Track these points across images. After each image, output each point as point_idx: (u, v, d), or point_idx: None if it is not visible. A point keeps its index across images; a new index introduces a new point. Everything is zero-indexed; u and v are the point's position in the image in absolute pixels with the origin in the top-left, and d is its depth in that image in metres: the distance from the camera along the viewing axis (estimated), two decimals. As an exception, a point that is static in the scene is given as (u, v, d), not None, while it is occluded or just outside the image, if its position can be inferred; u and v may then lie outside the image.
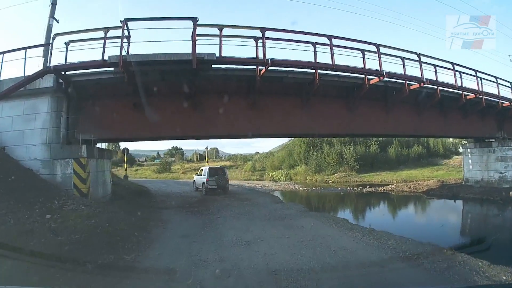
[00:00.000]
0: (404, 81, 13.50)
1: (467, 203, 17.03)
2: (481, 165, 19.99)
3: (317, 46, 11.36)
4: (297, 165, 37.38)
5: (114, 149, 49.45)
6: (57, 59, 10.83)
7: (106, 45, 10.45)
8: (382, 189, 22.63)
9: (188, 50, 10.14)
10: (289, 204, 16.04)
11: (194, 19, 10.14)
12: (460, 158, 34.79)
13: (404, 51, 13.28)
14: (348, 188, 24.88)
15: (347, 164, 33.89)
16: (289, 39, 11.32)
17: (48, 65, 10.58)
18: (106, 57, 10.27)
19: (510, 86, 17.78)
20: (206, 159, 38.22)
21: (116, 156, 47.54)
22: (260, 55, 10.56)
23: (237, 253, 6.82)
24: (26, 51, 10.97)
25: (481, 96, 16.10)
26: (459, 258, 6.26)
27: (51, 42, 10.96)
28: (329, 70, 11.47)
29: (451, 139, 38.82)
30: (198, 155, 58.84)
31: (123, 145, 43.72)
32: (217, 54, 10.23)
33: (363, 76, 12.64)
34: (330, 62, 11.13)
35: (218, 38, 10.52)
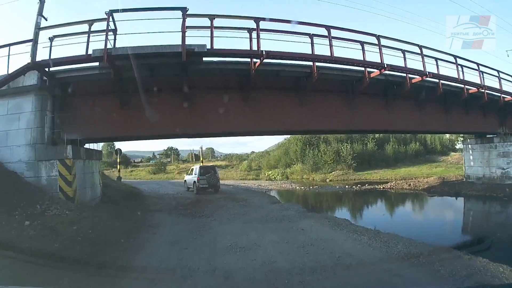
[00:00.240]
0: (405, 75, 12.98)
1: (471, 200, 16.55)
2: (483, 161, 19.53)
3: (314, 38, 10.74)
4: (294, 163, 36.83)
5: (109, 150, 48.82)
6: (44, 56, 10.15)
7: (94, 39, 9.93)
8: (381, 187, 22.10)
9: (179, 43, 9.49)
10: (286, 204, 15.39)
11: (183, 9, 9.49)
12: (458, 154, 34.77)
13: (405, 42, 12.70)
14: (346, 186, 24.35)
15: (344, 162, 33.46)
16: (285, 31, 10.67)
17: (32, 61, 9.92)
18: (90, 52, 9.66)
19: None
20: (201, 159, 37.56)
21: (111, 157, 47.12)
22: (255, 47, 9.89)
23: (231, 261, 6.16)
24: (9, 48, 10.45)
25: (483, 90, 15.59)
26: (477, 264, 5.70)
27: (34, 37, 10.15)
28: (328, 63, 10.83)
29: (447, 136, 38.71)
30: (193, 155, 58.24)
31: (116, 145, 43.05)
32: (209, 46, 9.55)
33: (363, 69, 12.07)
34: (329, 54, 10.45)
35: (209, 30, 9.85)
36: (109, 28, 9.79)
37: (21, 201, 8.81)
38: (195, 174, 20.51)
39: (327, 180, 30.39)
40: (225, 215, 11.85)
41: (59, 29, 10.56)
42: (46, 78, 10.48)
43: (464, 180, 20.67)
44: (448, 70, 14.09)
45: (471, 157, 20.41)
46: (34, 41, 10.05)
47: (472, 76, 15.36)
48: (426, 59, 12.96)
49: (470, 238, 8.82)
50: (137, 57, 9.71)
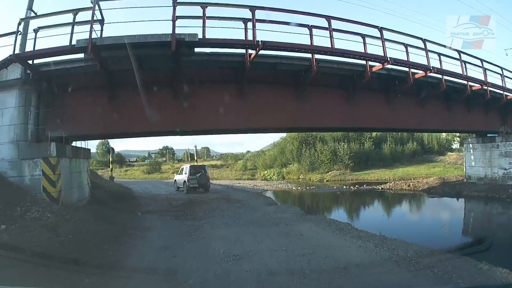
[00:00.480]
0: (408, 69, 12.43)
1: (473, 202, 16.00)
2: (484, 161, 19.03)
3: (313, 29, 10.05)
4: (290, 163, 36.24)
5: (104, 150, 48.02)
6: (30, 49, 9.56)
7: (81, 30, 9.28)
8: (380, 188, 21.50)
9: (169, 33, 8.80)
10: (283, 206, 14.67)
11: (174, -4, 8.78)
12: (455, 154, 34.53)
13: (409, 35, 12.04)
14: (344, 187, 23.73)
15: (341, 162, 32.90)
16: (282, 22, 10.00)
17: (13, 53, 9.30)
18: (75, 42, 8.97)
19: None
20: (195, 158, 36.85)
21: (106, 156, 46.41)
22: (250, 37, 9.17)
23: (224, 273, 5.47)
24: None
25: (486, 88, 15.07)
26: (498, 274, 5.11)
27: (16, 29, 9.64)
28: (328, 55, 10.14)
29: (444, 135, 38.47)
30: (189, 155, 57.60)
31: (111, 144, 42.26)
32: (200, 36, 8.85)
33: (365, 63, 11.45)
34: (330, 46, 9.77)
35: (202, 20, 9.13)
36: (96, 17, 9.21)
37: (0, 202, 8.25)
38: (185, 174, 20.38)
39: (324, 180, 29.79)
40: (218, 218, 11.19)
41: (42, 20, 10.19)
42: (30, 72, 9.91)
43: (465, 180, 20.14)
44: (450, 66, 13.55)
45: (472, 157, 19.89)
46: (17, 32, 9.53)
47: (474, 73, 14.89)
48: (429, 54, 12.35)
49: (480, 243, 8.19)
50: (123, 47, 9.02)
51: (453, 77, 13.63)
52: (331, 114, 12.30)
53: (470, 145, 20.02)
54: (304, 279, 4.96)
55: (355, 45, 10.89)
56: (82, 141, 13.18)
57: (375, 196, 19.72)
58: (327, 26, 10.11)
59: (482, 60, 14.89)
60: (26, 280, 4.55)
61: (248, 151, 54.73)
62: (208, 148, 72.64)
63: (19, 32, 9.64)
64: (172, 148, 68.96)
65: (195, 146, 37.66)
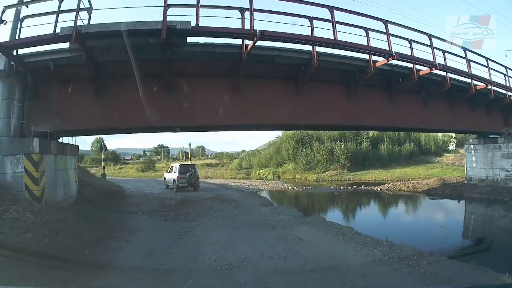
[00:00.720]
0: (412, 66, 11.87)
1: (476, 204, 15.53)
2: (486, 162, 18.61)
3: (314, 21, 9.43)
4: (286, 162, 35.69)
5: (99, 147, 47.24)
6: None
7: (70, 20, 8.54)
8: (379, 189, 20.97)
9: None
10: (280, 207, 14.00)
11: (165, -19, 8.11)
12: (453, 155, 34.27)
13: (414, 30, 11.49)
14: (341, 187, 23.20)
15: (338, 162, 32.43)
16: (281, 12, 9.35)
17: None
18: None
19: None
20: (190, 156, 36.10)
21: (101, 154, 45.64)
22: (247, 27, 8.51)
23: (215, 285, 4.82)
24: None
25: (490, 87, 14.62)
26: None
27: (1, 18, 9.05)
28: (330, 47, 9.48)
29: (440, 136, 38.41)
30: (184, 153, 56.93)
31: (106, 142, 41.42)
32: (194, 24, 8.18)
33: (368, 58, 10.89)
34: (332, 37, 9.13)
35: (195, 8, 8.47)
36: (83, 5, 8.73)
37: (-21, 202, 7.53)
38: (174, 172, 20.22)
39: (320, 180, 29.27)
40: (211, 219, 10.52)
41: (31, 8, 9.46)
42: (14, 63, 9.39)
43: (466, 182, 19.71)
44: (454, 64, 13.02)
45: (473, 158, 19.48)
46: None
47: (477, 72, 14.41)
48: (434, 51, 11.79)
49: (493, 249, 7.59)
50: (111, 36, 8.45)
51: (459, 75, 13.11)
52: (332, 111, 11.70)
53: (471, 146, 19.60)
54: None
55: (358, 39, 10.27)
56: (71, 137, 12.60)
57: (374, 197, 19.17)
58: (329, 18, 9.46)
59: (487, 59, 14.39)
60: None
61: (244, 150, 54.12)
62: (203, 146, 72.23)
63: (4, 22, 9.11)
64: (167, 147, 68.41)
65: (189, 145, 36.86)
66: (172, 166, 22.06)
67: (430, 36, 11.82)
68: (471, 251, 7.38)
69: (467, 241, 9.17)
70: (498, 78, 15.05)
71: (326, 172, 31.36)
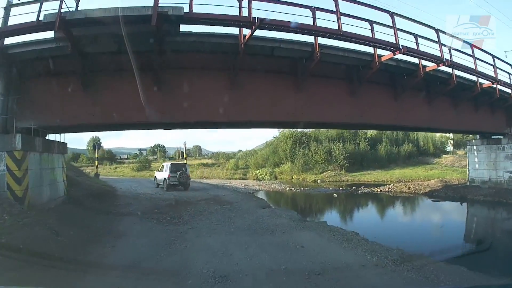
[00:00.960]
0: (418, 62, 11.33)
1: (481, 207, 15.01)
2: (489, 163, 18.16)
3: (317, 12, 8.77)
4: (283, 163, 35.10)
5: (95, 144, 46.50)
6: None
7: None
8: (379, 190, 20.37)
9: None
10: (278, 209, 13.36)
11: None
12: (451, 156, 33.95)
13: (421, 24, 10.89)
14: (341, 188, 22.65)
15: (336, 162, 31.92)
16: (282, 1, 8.73)
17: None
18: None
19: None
20: (185, 156, 35.50)
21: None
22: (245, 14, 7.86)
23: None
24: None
25: (495, 86, 14.15)
26: None
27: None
28: (334, 38, 8.81)
29: (437, 136, 38.34)
30: (180, 153, 56.30)
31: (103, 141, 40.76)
32: (187, 10, 7.53)
33: (373, 52, 10.30)
34: (337, 28, 8.49)
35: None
36: None
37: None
38: (165, 171, 20.10)
39: (318, 181, 28.74)
40: (205, 223, 9.85)
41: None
42: None
43: (468, 183, 19.31)
44: (459, 61, 12.46)
45: (476, 159, 19.03)
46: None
47: (481, 70, 13.90)
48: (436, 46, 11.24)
49: None
50: (98, 23, 7.83)
51: (465, 72, 12.58)
52: (334, 108, 11.10)
53: (474, 146, 19.19)
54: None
55: (361, 33, 9.65)
56: (61, 135, 12.00)
57: (375, 199, 18.61)
58: (333, 9, 8.85)
59: (494, 56, 13.88)
60: None
61: (240, 150, 53.49)
62: (200, 146, 71.43)
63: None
64: (163, 146, 67.59)
65: (185, 143, 36.27)
66: (163, 165, 21.93)
67: (437, 30, 11.28)
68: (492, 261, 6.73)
69: (478, 246, 8.51)
70: (502, 77, 14.63)
71: (324, 173, 30.85)
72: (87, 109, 9.62)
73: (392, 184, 22.29)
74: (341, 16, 8.84)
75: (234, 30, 8.65)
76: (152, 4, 7.40)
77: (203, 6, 10.31)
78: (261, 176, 33.57)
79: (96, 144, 29.96)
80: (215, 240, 7.54)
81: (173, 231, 8.84)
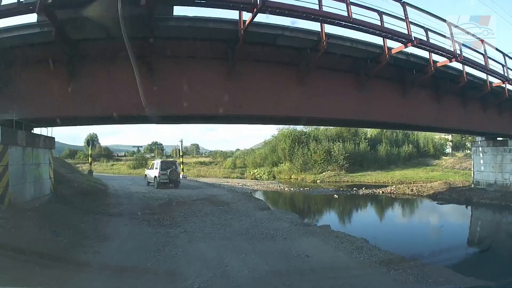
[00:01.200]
0: (428, 56, 10.62)
1: (489, 211, 14.29)
2: (495, 166, 17.55)
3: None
4: (281, 162, 34.37)
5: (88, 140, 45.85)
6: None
7: None
8: (381, 192, 19.70)
9: None
10: (277, 211, 12.62)
11: None
12: (452, 158, 33.40)
13: (433, 15, 10.19)
14: (341, 189, 21.99)
15: (335, 163, 31.13)
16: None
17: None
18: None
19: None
20: (181, 153, 34.83)
21: (94, 150, 44.35)
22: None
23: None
24: None
25: (505, 85, 13.56)
26: None
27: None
28: (343, 26, 8.02)
29: (437, 137, 38.14)
30: (177, 151, 55.79)
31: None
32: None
33: (382, 44, 9.56)
34: (346, 14, 7.75)
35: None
36: None
37: None
38: (156, 169, 20.28)
39: (318, 181, 28.05)
40: (199, 225, 9.15)
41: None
42: None
43: (473, 186, 18.66)
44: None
45: (481, 161, 18.44)
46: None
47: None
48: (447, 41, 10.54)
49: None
50: (82, 4, 6.99)
51: (477, 68, 11.85)
52: (339, 103, 10.35)
53: (480, 148, 18.61)
54: None
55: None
56: (50, 128, 11.50)
57: (378, 201, 17.93)
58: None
59: (505, 55, 13.20)
60: None
61: (238, 149, 52.81)
62: (198, 145, 71.70)
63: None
64: (161, 144, 67.77)
65: (181, 141, 35.57)
66: (154, 163, 22.05)
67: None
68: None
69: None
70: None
71: (324, 173, 30.10)
72: (74, 100, 8.84)
73: (394, 186, 21.60)
74: (349, 4, 8.12)
75: (233, 15, 7.91)
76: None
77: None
78: (259, 176, 32.89)
79: (90, 140, 29.18)
80: (209, 247, 6.82)
81: (163, 235, 8.17)
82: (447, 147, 39.35)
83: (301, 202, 18.62)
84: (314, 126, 35.31)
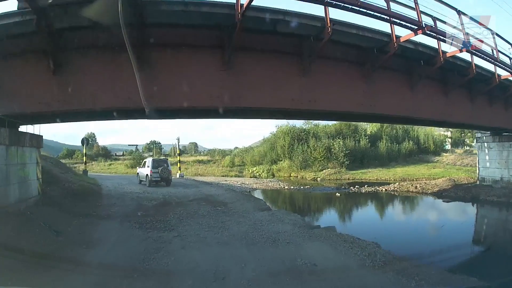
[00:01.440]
0: (438, 46, 9.96)
1: (498, 209, 13.74)
2: (501, 162, 17.08)
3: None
4: (281, 160, 33.69)
5: (91, 143, 45.07)
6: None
7: None
8: (384, 189, 19.13)
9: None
10: (278, 212, 11.97)
11: None
12: (453, 155, 32.98)
13: (443, 3, 9.52)
14: (343, 187, 21.35)
15: (336, 160, 30.60)
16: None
17: None
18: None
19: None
20: (178, 152, 34.16)
21: (92, 149, 43.50)
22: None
23: None
24: None
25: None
26: None
27: None
28: (350, 10, 7.32)
29: (436, 133, 38.12)
30: (176, 150, 55.27)
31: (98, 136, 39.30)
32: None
33: (390, 32, 8.90)
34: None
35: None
36: None
37: None
38: (147, 167, 20.21)
39: (318, 179, 27.51)
40: (194, 229, 8.50)
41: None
42: None
43: (478, 183, 18.18)
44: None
45: (487, 157, 17.94)
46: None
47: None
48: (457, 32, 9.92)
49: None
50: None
51: (487, 59, 11.24)
52: (343, 95, 9.62)
53: (485, 144, 18.09)
54: None
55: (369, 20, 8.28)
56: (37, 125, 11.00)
57: (382, 199, 17.35)
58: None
59: (512, 44, 12.62)
60: None
61: (236, 147, 52.28)
62: (196, 143, 71.48)
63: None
64: (159, 143, 67.00)
65: (178, 139, 34.72)
66: (145, 161, 21.96)
67: (459, 12, 9.94)
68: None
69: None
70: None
71: (324, 171, 29.59)
72: (60, 95, 8.13)
73: (397, 183, 21.08)
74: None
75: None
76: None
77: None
78: (258, 174, 32.20)
79: (85, 139, 28.45)
80: (204, 254, 6.17)
81: (155, 239, 7.57)
82: (447, 143, 39.26)
83: (302, 201, 18.00)
84: (313, 123, 34.87)
